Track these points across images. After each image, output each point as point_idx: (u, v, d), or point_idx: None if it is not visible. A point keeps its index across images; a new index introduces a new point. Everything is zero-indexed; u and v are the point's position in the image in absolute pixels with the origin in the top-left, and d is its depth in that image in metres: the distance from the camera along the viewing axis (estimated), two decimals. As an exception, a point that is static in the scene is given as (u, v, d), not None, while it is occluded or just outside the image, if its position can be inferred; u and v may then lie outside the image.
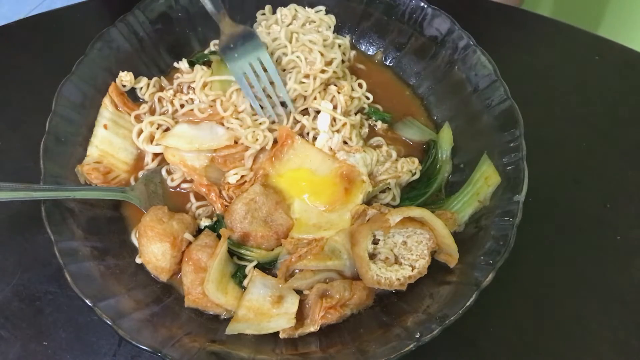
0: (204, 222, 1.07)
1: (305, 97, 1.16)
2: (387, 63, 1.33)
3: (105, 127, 1.12)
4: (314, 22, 1.24)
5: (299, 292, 0.99)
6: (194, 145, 1.10)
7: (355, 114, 1.20)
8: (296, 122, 1.16)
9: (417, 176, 1.16)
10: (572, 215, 1.19)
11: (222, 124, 1.14)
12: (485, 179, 1.06)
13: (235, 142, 1.11)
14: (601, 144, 1.29)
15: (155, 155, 1.15)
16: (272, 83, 1.13)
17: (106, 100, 1.14)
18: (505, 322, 1.06)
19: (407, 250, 0.99)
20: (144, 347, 0.86)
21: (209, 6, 1.16)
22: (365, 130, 1.21)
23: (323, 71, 1.15)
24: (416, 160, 1.17)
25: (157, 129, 1.15)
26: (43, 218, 0.95)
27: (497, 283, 0.91)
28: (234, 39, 1.13)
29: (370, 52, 1.34)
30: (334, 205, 1.07)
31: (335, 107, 1.15)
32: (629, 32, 2.09)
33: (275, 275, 1.02)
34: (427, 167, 1.17)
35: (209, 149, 1.11)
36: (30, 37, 1.39)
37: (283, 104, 1.15)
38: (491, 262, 0.93)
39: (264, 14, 1.28)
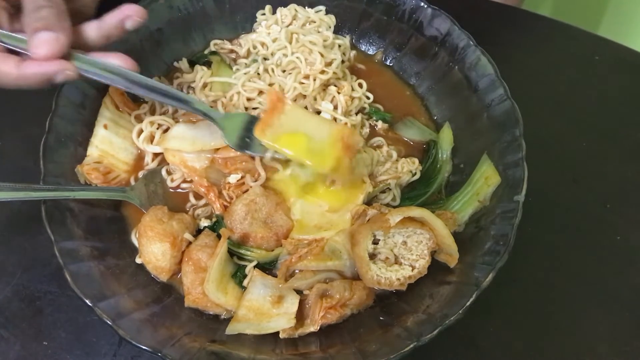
0: (204, 223, 1.07)
1: (305, 97, 1.16)
2: (387, 63, 1.32)
3: (105, 127, 1.12)
4: (314, 22, 1.24)
5: (299, 292, 0.99)
6: (197, 147, 1.10)
7: (356, 114, 1.20)
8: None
9: (417, 176, 1.16)
10: (572, 215, 1.19)
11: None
12: (485, 179, 1.06)
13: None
14: (601, 144, 1.29)
15: (155, 155, 1.15)
16: None
17: (106, 100, 1.14)
18: (505, 322, 1.06)
19: (407, 250, 0.99)
20: (144, 347, 0.85)
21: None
22: (366, 130, 1.21)
23: (323, 72, 1.15)
24: (416, 161, 1.17)
25: (157, 128, 1.15)
26: (43, 218, 0.95)
27: (497, 283, 0.91)
28: (241, 129, 1.07)
29: (370, 52, 1.34)
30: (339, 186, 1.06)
31: (335, 108, 1.15)
32: (629, 32, 2.09)
33: (275, 276, 1.02)
34: (427, 167, 1.17)
35: (211, 150, 1.11)
36: (30, 37, 1.38)
37: None
38: (491, 262, 0.93)
39: (264, 14, 1.28)
